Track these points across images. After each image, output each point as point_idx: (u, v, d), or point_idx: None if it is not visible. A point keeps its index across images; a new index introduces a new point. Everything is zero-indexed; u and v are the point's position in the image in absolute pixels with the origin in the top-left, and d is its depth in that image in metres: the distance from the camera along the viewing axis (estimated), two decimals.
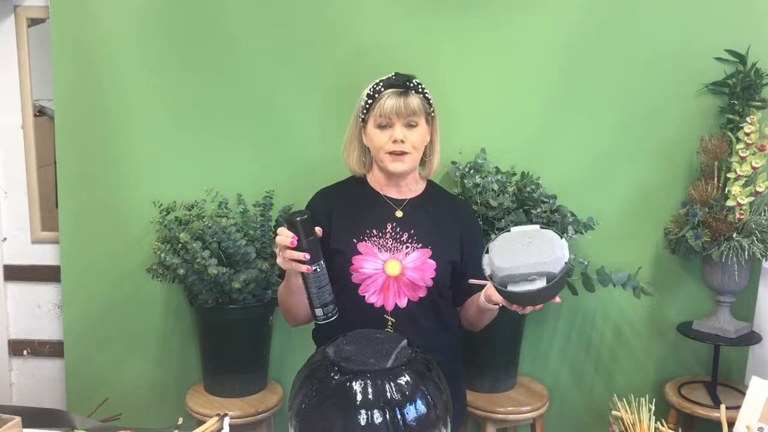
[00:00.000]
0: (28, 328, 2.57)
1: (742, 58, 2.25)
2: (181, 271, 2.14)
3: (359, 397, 1.22)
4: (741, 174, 2.18)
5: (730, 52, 2.27)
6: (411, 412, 1.22)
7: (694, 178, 2.33)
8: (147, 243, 2.36)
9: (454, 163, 2.30)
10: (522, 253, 1.42)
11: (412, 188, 1.76)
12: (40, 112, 2.48)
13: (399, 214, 1.71)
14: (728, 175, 2.22)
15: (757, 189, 2.18)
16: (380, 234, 1.68)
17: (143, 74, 2.33)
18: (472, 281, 1.58)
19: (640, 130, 2.34)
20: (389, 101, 1.64)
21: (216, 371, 2.30)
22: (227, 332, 2.25)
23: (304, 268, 1.47)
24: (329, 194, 1.77)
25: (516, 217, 2.18)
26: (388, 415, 1.20)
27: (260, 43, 2.32)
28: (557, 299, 1.49)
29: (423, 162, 1.78)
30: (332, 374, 1.26)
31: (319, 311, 1.53)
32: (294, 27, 2.31)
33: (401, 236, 1.68)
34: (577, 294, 2.26)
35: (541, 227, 1.48)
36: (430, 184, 1.82)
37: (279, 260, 1.50)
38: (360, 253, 1.65)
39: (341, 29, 2.31)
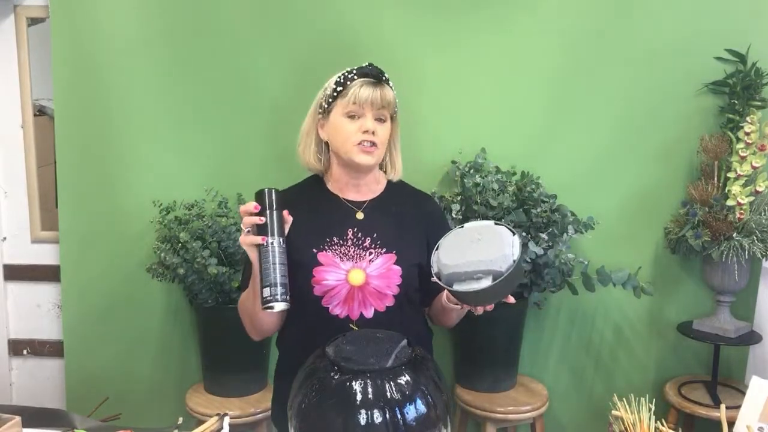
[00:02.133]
0: (28, 327, 2.57)
1: (742, 58, 2.25)
2: (181, 271, 2.14)
3: (359, 396, 1.22)
4: (741, 174, 2.18)
5: (730, 51, 2.27)
6: (411, 412, 1.22)
7: (694, 178, 2.33)
8: (147, 243, 2.36)
9: (454, 162, 2.30)
10: (469, 251, 1.37)
11: (373, 188, 1.67)
12: (40, 112, 2.48)
13: (360, 216, 1.62)
14: (728, 175, 2.22)
15: (757, 188, 2.18)
16: (341, 241, 1.59)
17: (143, 74, 2.33)
18: (434, 280, 1.50)
19: (640, 130, 2.34)
20: (365, 90, 1.56)
21: (216, 371, 2.30)
22: (227, 332, 2.25)
23: (259, 239, 1.41)
24: (285, 200, 1.55)
25: (516, 216, 2.18)
26: (388, 415, 1.20)
27: (261, 43, 2.32)
28: (511, 299, 1.44)
29: (384, 165, 1.70)
30: (332, 374, 1.26)
31: (266, 291, 1.39)
32: (295, 28, 2.31)
33: (363, 242, 1.59)
34: (577, 294, 2.26)
35: (496, 223, 1.43)
36: (391, 182, 1.72)
37: (240, 238, 1.45)
38: (321, 264, 1.56)
39: (343, 32, 2.30)
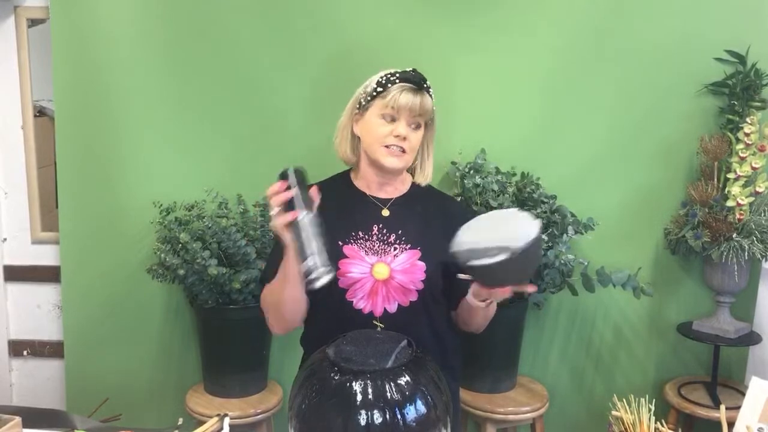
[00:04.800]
0: (28, 328, 2.57)
1: (742, 59, 2.25)
2: (181, 272, 2.14)
3: (359, 397, 1.22)
4: (741, 174, 2.18)
5: (730, 52, 2.27)
6: (411, 413, 1.22)
7: (694, 179, 2.33)
8: (147, 243, 2.36)
9: (454, 163, 2.31)
10: (488, 230, 1.38)
11: (399, 188, 1.69)
12: (40, 112, 2.48)
13: (385, 213, 1.64)
14: (728, 176, 2.22)
15: (757, 189, 2.18)
16: (366, 236, 1.60)
17: (143, 74, 2.33)
18: (460, 276, 1.51)
19: (640, 131, 2.35)
20: (405, 95, 1.57)
21: (216, 371, 2.30)
22: (227, 332, 2.25)
23: (290, 215, 1.39)
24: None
25: None
26: (388, 416, 1.20)
27: (261, 43, 2.32)
28: (530, 288, 1.43)
29: (413, 168, 1.71)
30: (332, 374, 1.26)
31: (309, 261, 1.36)
32: (295, 27, 2.31)
33: (388, 237, 1.61)
34: (577, 294, 2.26)
35: (518, 210, 1.45)
36: (417, 183, 1.74)
37: (272, 221, 1.43)
38: (346, 257, 1.58)
39: (342, 28, 2.31)
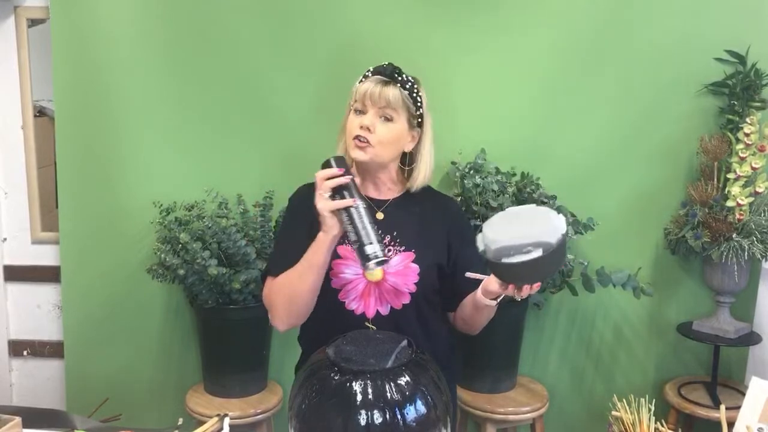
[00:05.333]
0: (28, 328, 2.57)
1: (742, 59, 2.25)
2: (181, 272, 2.14)
3: (359, 397, 1.22)
4: (741, 174, 2.18)
5: (730, 52, 2.27)
6: (411, 413, 1.22)
7: (694, 179, 2.33)
8: (147, 243, 2.36)
9: (454, 163, 2.31)
10: (517, 226, 1.35)
11: (392, 188, 1.68)
12: (40, 112, 2.48)
13: (380, 215, 1.63)
14: (728, 176, 2.22)
15: (757, 189, 2.18)
16: None
17: (143, 74, 2.33)
18: (469, 275, 1.52)
19: (640, 131, 2.34)
20: (366, 85, 1.56)
21: (216, 371, 2.30)
22: (227, 332, 2.25)
23: (351, 201, 1.41)
24: (312, 193, 1.65)
25: None
26: (388, 416, 1.20)
27: (261, 43, 2.32)
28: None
29: (409, 171, 1.68)
30: (332, 374, 1.26)
31: (369, 248, 1.40)
32: (295, 27, 2.31)
33: (383, 239, 1.58)
34: (577, 294, 2.26)
35: (537, 206, 1.42)
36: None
37: (320, 204, 1.43)
38: (340, 257, 1.57)
39: (342, 29, 2.31)
